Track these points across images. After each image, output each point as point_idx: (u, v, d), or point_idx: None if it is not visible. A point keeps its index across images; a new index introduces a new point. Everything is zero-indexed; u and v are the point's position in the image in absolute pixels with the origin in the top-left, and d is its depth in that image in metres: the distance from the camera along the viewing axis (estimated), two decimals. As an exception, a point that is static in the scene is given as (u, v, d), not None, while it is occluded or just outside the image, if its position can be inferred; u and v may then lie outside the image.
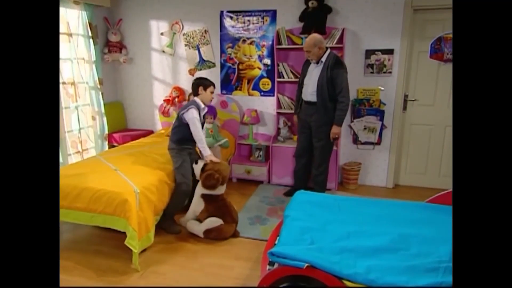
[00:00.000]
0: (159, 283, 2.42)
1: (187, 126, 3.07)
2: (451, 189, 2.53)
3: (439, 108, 3.95)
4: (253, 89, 4.41)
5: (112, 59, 4.64)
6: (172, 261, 2.67)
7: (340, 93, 3.33)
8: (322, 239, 2.06)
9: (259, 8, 4.18)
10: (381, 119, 4.00)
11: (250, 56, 4.34)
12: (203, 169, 2.96)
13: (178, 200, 3.08)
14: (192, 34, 4.46)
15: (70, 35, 4.02)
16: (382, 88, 3.98)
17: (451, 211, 2.34)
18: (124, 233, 2.59)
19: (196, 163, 3.02)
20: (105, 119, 4.47)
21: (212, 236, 2.92)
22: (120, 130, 4.79)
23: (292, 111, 3.95)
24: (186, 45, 4.52)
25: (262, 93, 4.39)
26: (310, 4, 3.85)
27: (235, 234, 3.03)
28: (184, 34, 4.49)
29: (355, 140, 4.18)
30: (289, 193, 3.87)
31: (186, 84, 4.64)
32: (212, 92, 3.25)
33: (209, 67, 4.50)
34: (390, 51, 3.88)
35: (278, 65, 4.08)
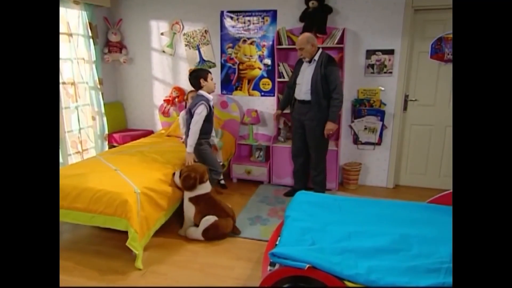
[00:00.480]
0: (160, 283, 2.41)
1: (206, 118, 3.17)
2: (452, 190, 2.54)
3: (440, 108, 3.95)
4: (253, 89, 4.41)
5: (112, 59, 4.64)
6: (172, 261, 2.67)
7: (334, 89, 3.38)
8: (323, 239, 2.05)
9: (259, 8, 4.18)
10: (382, 119, 4.00)
11: (251, 56, 4.33)
12: (180, 176, 2.99)
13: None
14: (192, 34, 4.46)
15: (70, 35, 4.02)
16: (383, 88, 3.97)
17: (451, 211, 2.34)
18: (124, 232, 2.59)
19: (174, 175, 3.05)
20: (105, 119, 4.46)
21: (211, 234, 2.92)
22: (120, 130, 4.78)
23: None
24: (186, 45, 4.51)
25: (262, 93, 4.38)
26: (310, 4, 3.85)
27: (235, 231, 3.04)
28: (184, 34, 4.49)
29: (356, 140, 4.18)
30: (289, 194, 3.87)
31: (186, 84, 4.61)
32: (212, 79, 3.32)
33: (209, 67, 4.49)
34: (390, 51, 3.88)
35: (278, 65, 4.08)
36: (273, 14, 4.15)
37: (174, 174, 3.05)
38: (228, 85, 4.48)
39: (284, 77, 4.09)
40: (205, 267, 2.58)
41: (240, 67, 4.39)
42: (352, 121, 4.12)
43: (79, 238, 3.03)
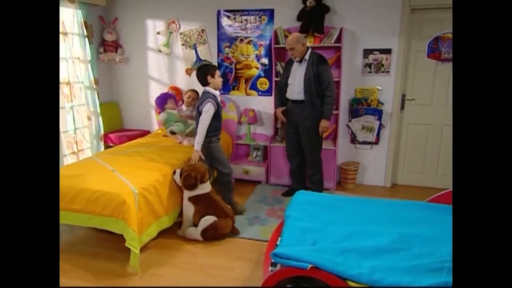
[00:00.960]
0: (159, 284, 2.38)
1: (214, 116, 3.13)
2: (451, 189, 2.54)
3: (437, 107, 3.96)
4: (250, 88, 4.39)
5: (107, 59, 4.59)
6: (171, 262, 2.64)
7: (327, 88, 3.41)
8: (324, 239, 2.05)
9: (256, 7, 4.16)
10: (379, 119, 4.00)
11: (248, 55, 4.31)
12: (181, 175, 2.96)
13: (227, 188, 3.35)
14: (189, 33, 4.43)
15: (65, 34, 3.97)
16: (380, 88, 3.98)
17: (451, 210, 2.35)
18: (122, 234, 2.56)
19: (174, 173, 3.02)
20: (100, 119, 4.42)
21: (210, 234, 2.90)
22: (116, 130, 4.74)
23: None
24: (182, 44, 4.48)
25: (259, 93, 4.37)
26: (308, 3, 3.84)
27: (234, 232, 3.02)
28: (181, 34, 4.45)
29: (353, 139, 4.18)
30: (287, 193, 3.86)
31: (183, 83, 4.61)
32: (219, 76, 3.26)
33: (206, 67, 4.47)
34: (387, 51, 3.88)
35: (276, 65, 4.06)
36: (270, 13, 4.14)
37: (174, 172, 3.02)
38: (225, 84, 4.45)
39: (281, 77, 4.08)
40: (205, 268, 2.56)
41: (237, 66, 4.37)
42: (350, 121, 4.12)
43: (76, 239, 3.00)
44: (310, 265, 1.73)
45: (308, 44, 3.86)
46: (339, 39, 3.81)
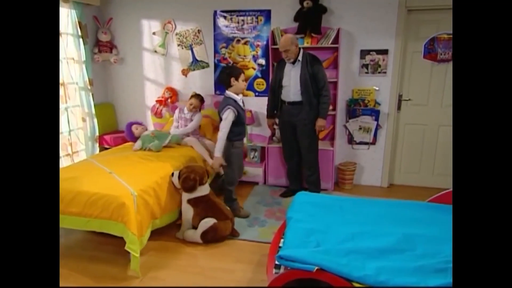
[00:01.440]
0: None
1: (236, 121, 3.11)
2: (452, 188, 2.56)
3: (433, 107, 3.99)
4: (247, 89, 4.37)
5: (102, 59, 4.53)
6: (171, 265, 2.61)
7: (323, 87, 3.44)
8: (327, 241, 2.03)
9: (253, 8, 4.15)
10: (376, 119, 4.02)
11: (244, 56, 4.30)
12: (179, 177, 2.93)
13: (229, 194, 3.35)
14: (185, 33, 4.40)
15: (60, 34, 3.90)
16: (377, 88, 3.99)
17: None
18: (120, 237, 2.52)
19: (172, 175, 2.98)
20: (95, 120, 4.36)
21: (210, 237, 2.87)
22: (111, 132, 4.68)
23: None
24: (179, 45, 4.45)
25: (256, 94, 4.35)
26: (305, 4, 3.84)
27: (234, 234, 3.00)
28: (176, 34, 4.42)
29: (350, 140, 4.19)
30: (286, 194, 3.85)
31: (179, 84, 4.57)
32: (243, 80, 3.21)
33: (203, 67, 4.44)
34: (384, 51, 3.90)
35: (273, 65, 4.04)
36: (267, 14, 4.12)
37: (172, 174, 2.99)
38: (221, 85, 4.42)
39: (279, 77, 4.07)
40: (205, 271, 2.54)
41: (234, 67, 4.35)
42: (347, 121, 4.13)
43: (72, 243, 2.94)
44: (316, 267, 1.71)
45: (305, 45, 3.88)
46: (336, 40, 3.82)
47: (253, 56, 4.27)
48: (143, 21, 4.50)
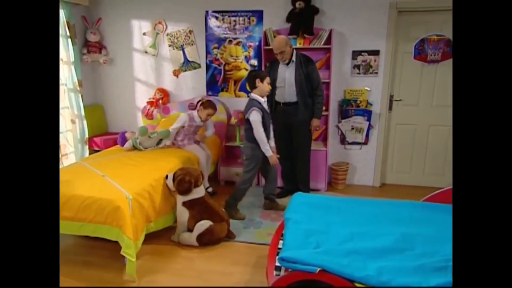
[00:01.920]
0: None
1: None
2: (447, 188, 2.60)
3: (423, 108, 4.05)
4: (240, 90, 4.35)
5: (91, 60, 4.45)
6: (167, 269, 2.57)
7: (317, 87, 3.49)
8: (327, 241, 2.03)
9: (245, 8, 4.13)
10: (368, 119, 4.05)
11: (237, 56, 4.28)
12: (174, 180, 2.90)
13: (238, 194, 3.36)
14: (176, 34, 4.35)
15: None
16: (369, 89, 4.03)
17: (449, 209, 2.39)
18: (114, 241, 2.48)
19: (167, 178, 2.95)
20: (85, 122, 4.28)
21: (206, 239, 2.85)
22: (101, 134, 4.60)
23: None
24: (170, 45, 4.40)
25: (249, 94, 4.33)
26: (297, 5, 3.84)
27: (230, 236, 2.98)
28: (167, 34, 4.37)
29: (343, 140, 4.22)
30: (280, 195, 3.85)
31: (170, 85, 4.52)
32: (268, 83, 3.21)
33: (194, 68, 4.41)
34: (376, 52, 3.94)
35: (266, 66, 4.04)
36: (259, 15, 4.12)
37: (166, 177, 2.95)
38: (214, 86, 4.41)
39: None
40: (203, 274, 2.51)
41: (226, 68, 4.33)
42: (339, 121, 4.15)
43: (64, 249, 2.87)
44: (318, 268, 1.71)
45: (297, 46, 3.89)
46: (328, 41, 3.83)
47: (245, 57, 4.26)
48: (133, 21, 4.44)
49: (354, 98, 4.07)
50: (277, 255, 2.10)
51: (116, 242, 2.47)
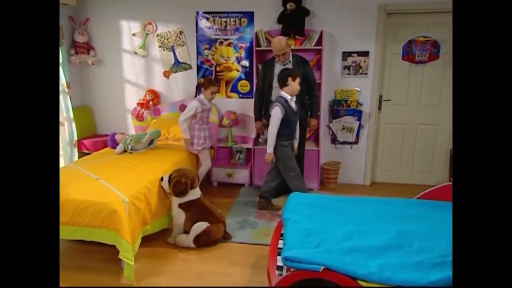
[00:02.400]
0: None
1: (282, 121, 3.14)
2: (439, 185, 2.67)
3: (411, 107, 4.15)
4: (231, 91, 4.36)
5: (79, 61, 4.38)
6: (165, 272, 2.56)
7: (313, 87, 3.56)
8: (327, 240, 2.06)
9: (235, 9, 4.14)
10: (359, 119, 4.12)
11: (228, 57, 4.28)
12: (170, 182, 2.89)
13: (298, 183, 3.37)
14: (167, 35, 4.32)
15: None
16: (359, 89, 4.10)
17: (442, 206, 2.46)
18: (109, 245, 2.45)
19: (162, 180, 2.93)
20: (74, 125, 4.20)
21: (203, 241, 2.84)
22: (90, 136, 4.52)
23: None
24: (160, 46, 4.37)
25: (240, 95, 4.35)
26: (288, 6, 3.87)
27: (226, 237, 2.98)
28: (158, 35, 4.34)
29: (334, 140, 4.28)
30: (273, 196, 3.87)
31: (160, 86, 4.49)
32: (299, 83, 3.22)
33: (185, 69, 4.39)
34: (365, 53, 4.01)
35: (257, 67, 4.06)
36: (250, 16, 4.13)
37: (161, 178, 2.93)
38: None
39: (263, 79, 4.08)
40: (202, 276, 2.51)
41: (217, 69, 4.33)
42: (330, 121, 4.21)
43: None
44: (322, 267, 1.74)
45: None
46: (319, 42, 3.88)
47: (237, 58, 4.27)
48: (122, 22, 4.38)
49: (344, 99, 4.13)
50: (278, 255, 2.13)
51: (111, 246, 2.44)
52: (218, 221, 2.93)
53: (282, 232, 2.37)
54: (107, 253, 2.68)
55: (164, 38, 4.33)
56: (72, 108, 4.19)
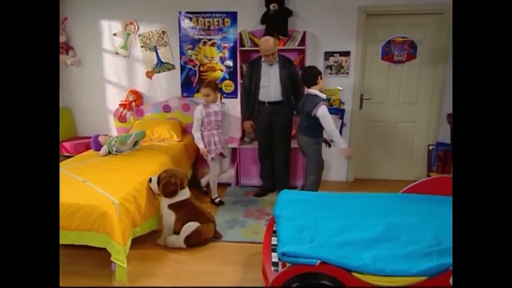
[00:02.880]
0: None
1: (317, 119, 3.09)
2: (422, 180, 2.79)
3: (391, 106, 4.29)
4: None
5: (58, 61, 4.25)
6: (158, 273, 2.55)
7: (299, 86, 3.61)
8: (320, 235, 2.12)
9: (218, 9, 4.15)
10: (341, 118, 4.23)
11: (211, 58, 4.28)
12: (159, 183, 2.88)
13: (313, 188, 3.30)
14: (149, 35, 4.28)
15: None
16: (341, 88, 4.20)
17: (425, 199, 2.57)
18: (98, 249, 2.42)
19: (150, 181, 2.92)
20: (54, 127, 4.07)
21: (193, 241, 2.84)
22: (70, 138, 4.41)
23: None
24: (142, 46, 4.32)
25: (225, 95, 4.35)
26: (271, 7, 3.92)
27: (217, 236, 2.99)
28: (139, 35, 4.28)
29: (317, 138, 4.36)
30: (260, 194, 3.92)
31: (143, 87, 4.43)
32: (322, 79, 3.25)
33: (168, 69, 4.36)
34: (346, 53, 4.12)
35: (242, 67, 4.09)
36: (233, 16, 4.15)
37: (150, 180, 2.91)
38: (189, 87, 4.38)
39: (247, 79, 4.11)
40: (195, 276, 2.51)
41: (201, 69, 4.32)
42: (314, 120, 4.29)
43: (44, 259, 2.74)
44: (318, 261, 1.79)
45: (274, 47, 3.97)
46: (302, 42, 3.95)
47: (220, 58, 4.28)
48: (102, 21, 4.30)
49: (327, 98, 4.21)
50: (273, 251, 2.17)
51: (100, 250, 2.42)
52: (208, 221, 2.94)
53: (274, 229, 2.42)
54: (96, 257, 2.64)
55: (146, 38, 4.29)
56: (52, 110, 4.07)
